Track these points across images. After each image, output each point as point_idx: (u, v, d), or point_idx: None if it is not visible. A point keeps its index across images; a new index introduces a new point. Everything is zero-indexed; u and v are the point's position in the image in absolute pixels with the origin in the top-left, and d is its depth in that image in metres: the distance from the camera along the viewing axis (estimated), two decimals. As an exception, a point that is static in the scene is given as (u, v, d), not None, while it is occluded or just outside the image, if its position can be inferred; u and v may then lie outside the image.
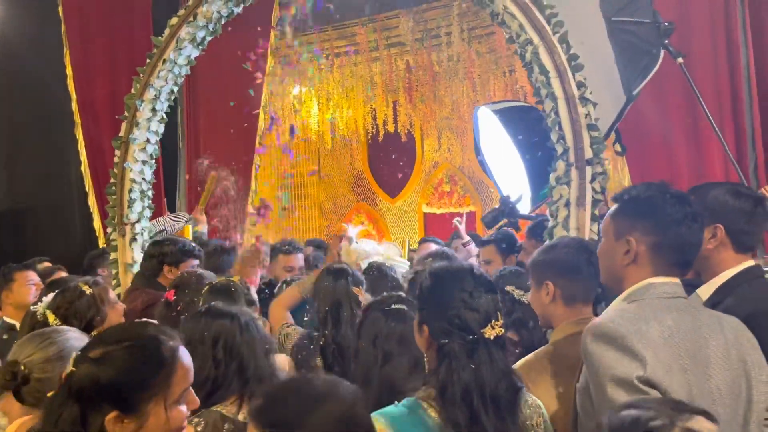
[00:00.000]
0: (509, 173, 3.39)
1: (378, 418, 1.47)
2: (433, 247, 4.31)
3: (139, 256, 3.75)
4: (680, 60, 3.03)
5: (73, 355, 1.31)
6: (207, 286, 2.52)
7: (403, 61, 7.27)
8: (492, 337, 1.51)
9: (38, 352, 1.74)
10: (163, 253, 3.21)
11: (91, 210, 6.56)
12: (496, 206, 3.58)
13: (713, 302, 1.85)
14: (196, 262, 3.22)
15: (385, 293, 2.16)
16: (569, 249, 2.04)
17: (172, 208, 6.40)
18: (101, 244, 6.37)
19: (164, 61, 3.60)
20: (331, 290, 2.55)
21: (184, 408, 1.32)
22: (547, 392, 1.87)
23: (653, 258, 1.63)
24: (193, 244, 3.36)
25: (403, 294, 2.17)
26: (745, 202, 1.93)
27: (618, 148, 3.32)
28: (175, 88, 3.75)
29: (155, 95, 3.67)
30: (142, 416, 1.25)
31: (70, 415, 1.23)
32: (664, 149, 4.82)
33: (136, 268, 3.73)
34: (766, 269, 1.98)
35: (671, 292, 1.61)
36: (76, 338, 1.84)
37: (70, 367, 1.27)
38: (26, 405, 1.70)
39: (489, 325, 1.51)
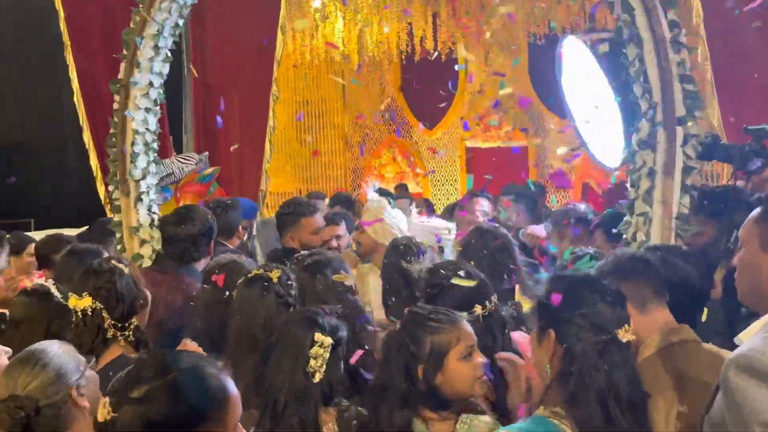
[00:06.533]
0: (596, 115, 3.23)
1: None
2: (484, 204, 4.16)
3: (145, 218, 3.68)
4: None
5: (105, 399, 1.31)
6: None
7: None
8: (625, 340, 1.58)
9: (36, 378, 1.75)
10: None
11: (87, 147, 6.49)
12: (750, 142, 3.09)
13: None
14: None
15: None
16: (618, 257, 2.07)
17: (179, 149, 6.33)
18: (99, 183, 6.34)
19: (166, -11, 3.41)
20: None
21: None
22: None
23: None
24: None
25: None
26: None
27: None
28: (181, 21, 3.57)
29: (157, 30, 3.50)
30: None
31: None
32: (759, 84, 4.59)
33: (142, 232, 3.66)
34: None
35: None
36: (64, 352, 1.86)
37: (105, 413, 1.28)
38: None
39: (623, 328, 1.58)
